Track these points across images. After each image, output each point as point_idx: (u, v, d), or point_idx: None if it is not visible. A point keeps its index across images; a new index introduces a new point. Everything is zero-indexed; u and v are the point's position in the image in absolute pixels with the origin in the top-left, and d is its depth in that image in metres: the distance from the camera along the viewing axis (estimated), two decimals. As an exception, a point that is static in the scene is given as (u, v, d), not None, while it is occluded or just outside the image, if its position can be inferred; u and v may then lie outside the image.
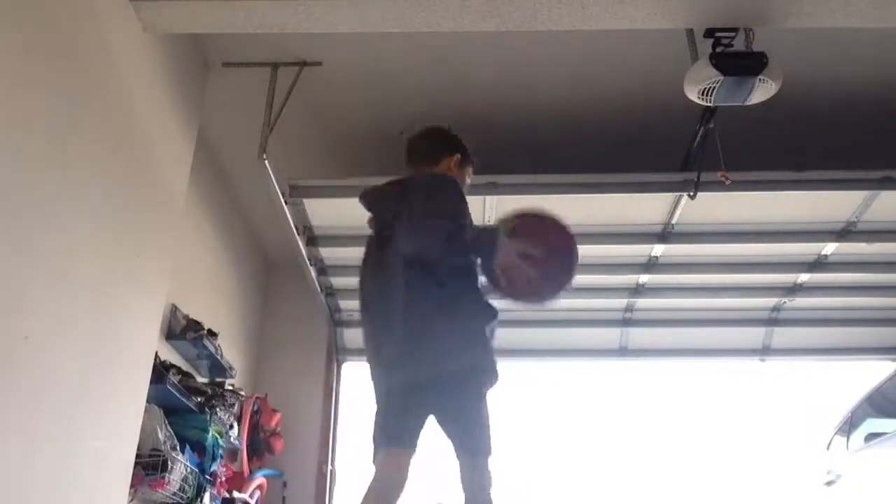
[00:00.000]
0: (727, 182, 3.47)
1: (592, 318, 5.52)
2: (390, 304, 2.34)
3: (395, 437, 2.28)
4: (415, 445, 2.30)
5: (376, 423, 2.33)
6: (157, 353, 3.45)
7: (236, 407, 4.69)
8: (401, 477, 2.26)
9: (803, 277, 4.93)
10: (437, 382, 2.29)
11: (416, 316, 2.29)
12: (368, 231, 2.62)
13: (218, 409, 4.18)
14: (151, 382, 3.25)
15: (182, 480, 3.50)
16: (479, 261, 2.44)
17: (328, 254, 4.80)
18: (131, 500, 3.26)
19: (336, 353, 5.75)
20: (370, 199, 2.62)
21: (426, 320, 2.29)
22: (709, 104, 3.14)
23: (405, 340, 2.29)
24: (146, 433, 3.25)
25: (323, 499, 5.33)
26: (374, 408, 2.36)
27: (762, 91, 3.02)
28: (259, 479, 4.92)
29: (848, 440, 4.80)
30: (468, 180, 2.73)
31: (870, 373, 5.21)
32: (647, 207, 4.27)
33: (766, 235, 4.50)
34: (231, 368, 4.58)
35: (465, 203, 2.56)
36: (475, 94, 4.06)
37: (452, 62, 3.83)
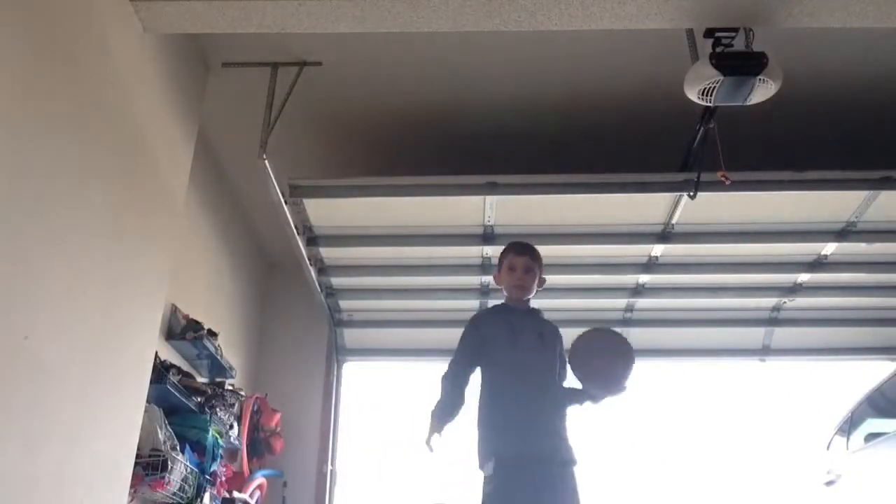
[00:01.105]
0: (727, 182, 3.46)
1: (592, 319, 5.51)
2: None
3: None
4: None
5: None
6: (157, 353, 3.45)
7: (236, 407, 4.69)
8: None
9: (803, 277, 4.93)
10: None
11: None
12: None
13: (218, 409, 4.18)
14: (151, 382, 3.25)
15: (182, 480, 3.50)
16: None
17: (328, 254, 4.80)
18: (131, 500, 3.26)
19: (336, 353, 5.75)
20: None
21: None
22: (709, 104, 3.14)
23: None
24: (146, 433, 3.25)
25: (323, 499, 5.33)
26: None
27: (762, 91, 3.02)
28: (259, 479, 4.92)
29: (848, 440, 4.80)
30: (516, 266, 2.95)
31: (870, 373, 5.21)
32: (647, 207, 4.27)
33: (766, 235, 4.50)
34: (231, 368, 4.58)
35: (472, 341, 2.91)
36: (475, 94, 4.06)
37: (452, 62, 3.83)
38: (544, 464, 2.65)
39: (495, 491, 2.60)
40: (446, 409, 2.79)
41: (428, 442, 2.75)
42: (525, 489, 2.59)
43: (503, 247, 4.52)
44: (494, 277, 3.10)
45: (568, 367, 2.89)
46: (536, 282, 2.97)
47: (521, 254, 2.97)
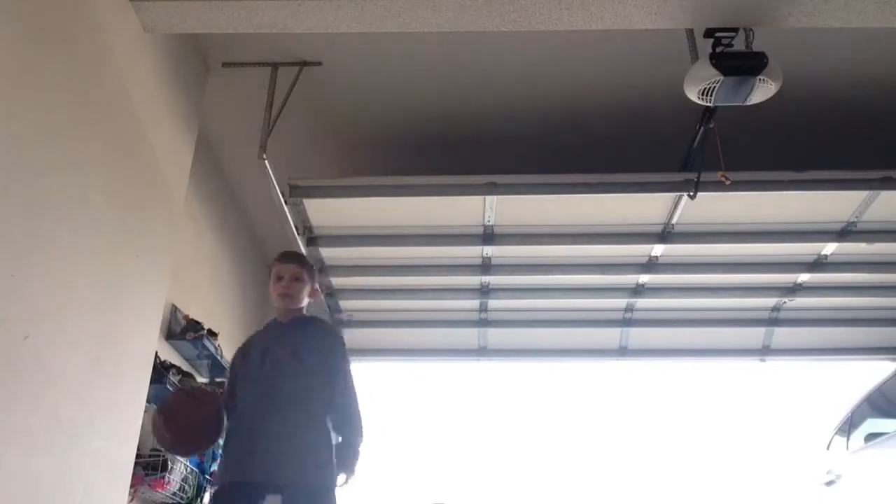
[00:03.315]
0: (727, 182, 3.47)
1: (592, 318, 5.52)
2: None
3: None
4: None
5: None
6: (157, 353, 3.45)
7: (236, 407, 4.69)
8: None
9: (803, 277, 4.93)
10: None
11: None
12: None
13: (218, 409, 4.18)
14: (151, 382, 3.25)
15: (182, 480, 3.50)
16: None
17: (328, 254, 4.80)
18: (131, 500, 3.26)
19: (336, 353, 5.74)
20: None
21: None
22: (709, 104, 3.14)
23: None
24: (146, 433, 3.25)
25: (323, 499, 5.32)
26: None
27: (762, 91, 3.02)
28: (259, 479, 4.92)
29: (848, 440, 4.80)
30: (282, 274, 2.76)
31: (870, 373, 5.21)
32: (647, 207, 4.27)
33: (766, 235, 4.50)
34: (231, 368, 4.58)
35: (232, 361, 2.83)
36: (475, 94, 4.06)
37: (452, 62, 3.83)
38: (259, 492, 2.45)
39: None
40: None
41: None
42: None
43: (503, 247, 4.58)
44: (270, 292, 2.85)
45: None
46: (306, 291, 2.74)
47: (289, 261, 2.78)
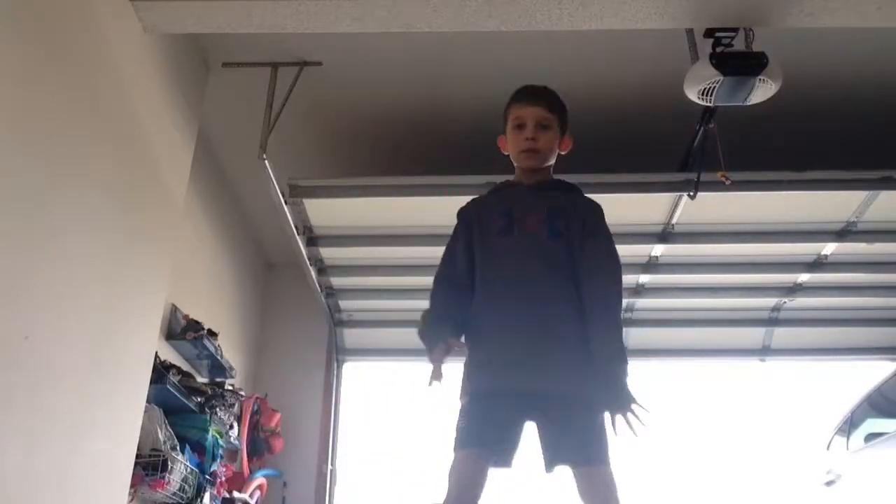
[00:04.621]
0: (727, 182, 3.47)
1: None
2: None
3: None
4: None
5: None
6: (157, 353, 3.45)
7: (236, 407, 4.69)
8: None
9: (803, 277, 4.93)
10: None
11: None
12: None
13: (218, 409, 4.18)
14: (151, 382, 3.25)
15: (182, 480, 3.50)
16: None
17: (328, 254, 4.80)
18: (131, 500, 3.26)
19: (336, 353, 5.75)
20: None
21: None
22: (709, 104, 3.14)
23: None
24: (146, 433, 3.25)
25: (323, 499, 5.33)
26: None
27: (762, 91, 3.02)
28: (259, 479, 4.92)
29: (848, 440, 4.80)
30: (525, 120, 2.11)
31: (870, 373, 5.20)
32: (647, 207, 4.27)
33: (766, 235, 4.50)
34: (231, 368, 4.58)
35: (456, 230, 2.19)
36: (476, 94, 4.05)
37: (452, 62, 3.83)
38: (537, 398, 1.90)
39: (462, 428, 1.93)
40: (432, 318, 2.11)
41: (431, 378, 2.00)
42: (501, 421, 1.87)
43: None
44: (499, 143, 2.18)
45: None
46: (558, 143, 2.10)
47: (533, 101, 2.06)
